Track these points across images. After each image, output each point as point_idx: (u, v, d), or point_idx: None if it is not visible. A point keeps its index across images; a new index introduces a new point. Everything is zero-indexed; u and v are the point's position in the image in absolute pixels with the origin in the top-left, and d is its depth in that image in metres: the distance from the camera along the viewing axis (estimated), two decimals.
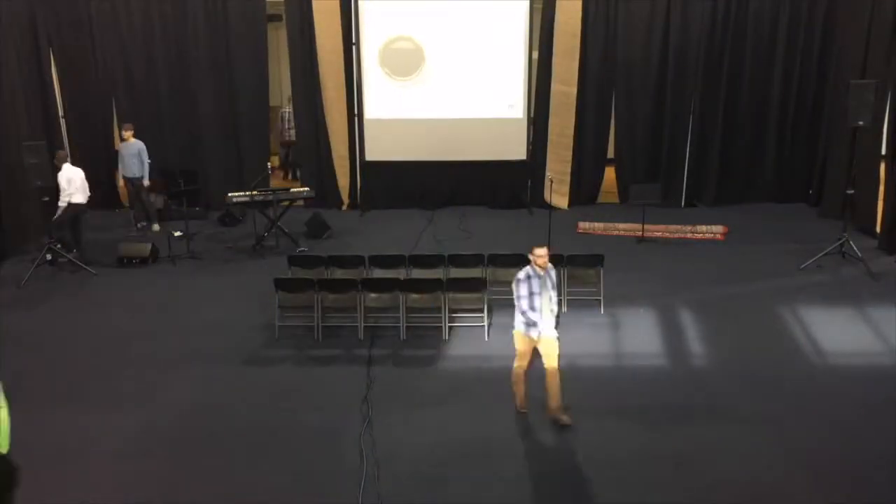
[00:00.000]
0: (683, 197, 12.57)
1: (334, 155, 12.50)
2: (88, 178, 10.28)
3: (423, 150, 12.35)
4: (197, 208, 12.13)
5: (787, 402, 6.49)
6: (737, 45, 12.02)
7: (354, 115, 12.36)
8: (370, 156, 12.49)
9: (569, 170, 12.48)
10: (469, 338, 7.81)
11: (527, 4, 11.99)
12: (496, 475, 5.59)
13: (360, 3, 11.97)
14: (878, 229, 10.43)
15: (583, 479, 5.54)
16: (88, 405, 6.73)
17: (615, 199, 12.73)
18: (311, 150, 12.61)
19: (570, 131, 12.35)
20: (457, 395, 6.70)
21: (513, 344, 6.21)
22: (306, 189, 11.25)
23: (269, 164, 10.60)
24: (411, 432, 6.14)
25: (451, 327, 7.88)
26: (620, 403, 6.52)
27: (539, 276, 6.00)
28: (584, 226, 11.39)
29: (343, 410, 6.44)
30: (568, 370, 6.53)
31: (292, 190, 11.20)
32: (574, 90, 12.18)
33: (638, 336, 7.79)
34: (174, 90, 12.41)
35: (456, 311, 8.03)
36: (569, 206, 12.54)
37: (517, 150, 12.48)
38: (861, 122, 9.48)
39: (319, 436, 6.13)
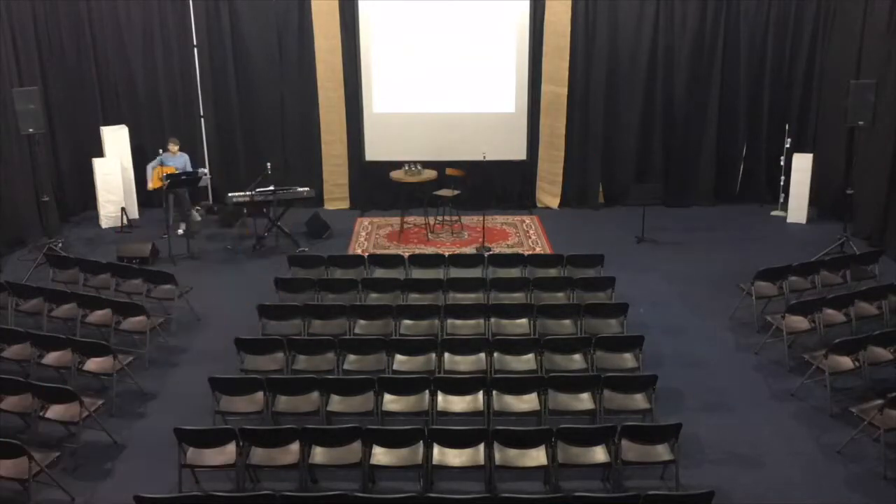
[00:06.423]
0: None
1: (332, 154, 12.50)
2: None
3: (425, 149, 12.33)
4: (198, 208, 12.14)
5: None
6: (727, 44, 12.03)
7: (355, 112, 12.35)
8: (370, 155, 12.50)
9: (560, 170, 12.50)
10: None
11: (527, 4, 12.01)
12: None
13: (359, 3, 12.00)
14: None
15: None
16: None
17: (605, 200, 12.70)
18: (308, 151, 12.60)
19: (562, 132, 12.34)
20: None
21: None
22: (306, 189, 11.25)
23: (268, 164, 10.69)
24: None
25: None
26: None
27: None
28: None
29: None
30: None
31: (292, 190, 11.19)
32: (564, 90, 12.19)
33: None
34: (174, 92, 12.40)
35: None
36: (559, 206, 12.54)
37: (517, 149, 12.50)
38: (861, 122, 9.48)
39: None
